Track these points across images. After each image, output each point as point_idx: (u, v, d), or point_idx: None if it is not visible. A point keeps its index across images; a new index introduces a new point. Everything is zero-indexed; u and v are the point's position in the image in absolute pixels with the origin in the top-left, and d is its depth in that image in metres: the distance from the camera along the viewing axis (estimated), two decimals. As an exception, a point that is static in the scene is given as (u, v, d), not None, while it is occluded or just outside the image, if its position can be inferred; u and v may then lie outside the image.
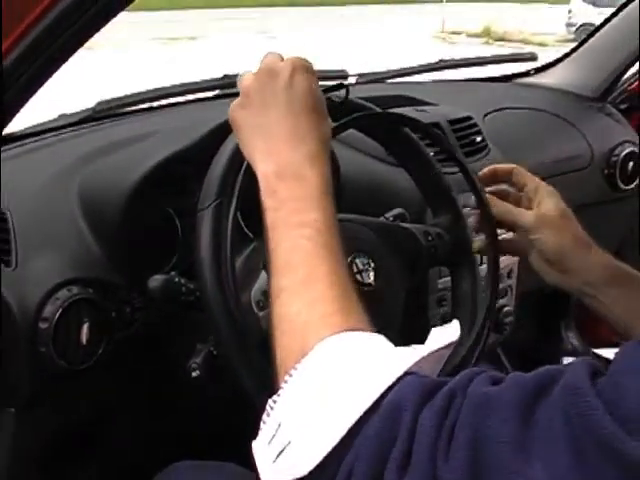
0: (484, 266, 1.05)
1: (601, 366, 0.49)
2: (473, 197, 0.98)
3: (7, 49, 0.71)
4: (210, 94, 1.38)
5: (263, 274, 0.88)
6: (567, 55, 1.80)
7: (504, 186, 1.00)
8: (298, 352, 0.58)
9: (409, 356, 0.59)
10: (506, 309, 1.37)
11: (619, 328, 0.94)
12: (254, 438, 0.64)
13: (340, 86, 0.89)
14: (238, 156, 0.87)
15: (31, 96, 0.78)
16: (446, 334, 0.65)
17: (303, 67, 0.75)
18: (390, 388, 0.54)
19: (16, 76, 0.74)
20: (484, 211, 0.97)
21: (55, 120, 1.22)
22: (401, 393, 0.53)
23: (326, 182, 0.72)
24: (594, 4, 14.30)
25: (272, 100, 0.73)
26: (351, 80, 1.46)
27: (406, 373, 0.56)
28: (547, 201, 0.95)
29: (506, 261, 1.37)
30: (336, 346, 0.58)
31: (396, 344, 0.94)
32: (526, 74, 1.86)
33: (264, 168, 0.73)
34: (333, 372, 0.56)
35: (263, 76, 0.75)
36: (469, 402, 0.51)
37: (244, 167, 0.83)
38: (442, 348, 0.63)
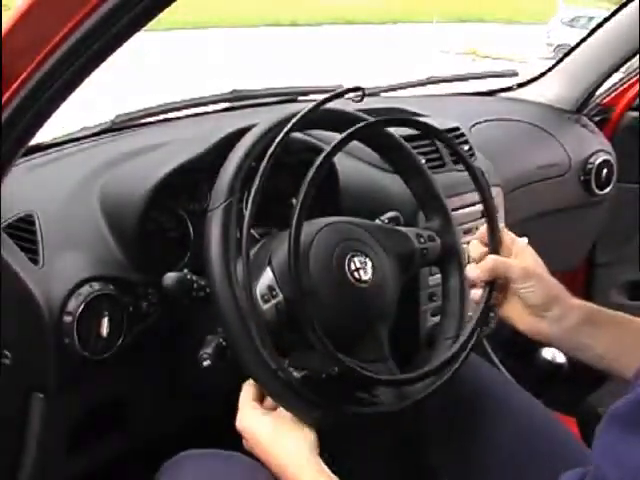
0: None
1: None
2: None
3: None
4: (219, 107, 1.39)
5: (268, 270, 0.88)
6: (546, 72, 1.81)
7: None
8: None
9: None
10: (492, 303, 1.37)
11: (601, 365, 0.90)
12: None
13: (357, 89, 0.90)
14: (245, 163, 0.88)
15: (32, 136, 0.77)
16: None
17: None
18: None
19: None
20: (490, 210, 0.96)
21: (78, 132, 1.22)
22: None
23: None
24: (571, 26, 14.33)
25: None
26: (349, 94, 1.45)
27: None
28: (525, 253, 0.93)
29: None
30: None
31: (391, 335, 0.94)
32: (509, 89, 1.86)
33: None
34: None
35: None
36: None
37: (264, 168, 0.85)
38: None
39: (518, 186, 1.49)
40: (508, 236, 0.95)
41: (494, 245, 0.92)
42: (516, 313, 0.92)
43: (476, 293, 0.93)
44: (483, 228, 0.93)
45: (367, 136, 1.00)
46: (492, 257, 0.91)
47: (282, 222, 1.04)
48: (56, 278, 0.92)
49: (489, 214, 0.94)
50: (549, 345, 0.95)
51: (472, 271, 0.92)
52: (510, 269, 0.90)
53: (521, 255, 0.93)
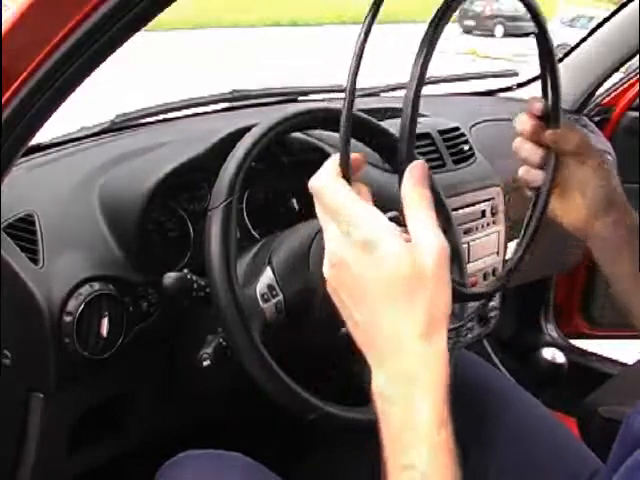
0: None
1: None
2: None
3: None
4: (219, 107, 1.39)
5: (268, 269, 0.88)
6: (546, 71, 1.80)
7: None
8: None
9: None
10: (491, 304, 1.37)
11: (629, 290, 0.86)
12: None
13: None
14: (245, 163, 0.88)
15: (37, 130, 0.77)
16: None
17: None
18: None
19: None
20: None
21: (77, 132, 1.22)
22: None
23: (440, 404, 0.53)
24: (570, 26, 14.33)
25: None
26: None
27: None
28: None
29: (490, 260, 1.37)
30: None
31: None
32: (509, 89, 1.86)
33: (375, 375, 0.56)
34: None
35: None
36: None
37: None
38: None
39: (518, 186, 1.49)
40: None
41: (556, 111, 0.83)
42: (568, 206, 0.87)
43: (537, 173, 0.86)
44: (533, 99, 0.84)
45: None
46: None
47: (282, 222, 1.04)
48: (56, 278, 0.92)
49: (551, 66, 0.83)
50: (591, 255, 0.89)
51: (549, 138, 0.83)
52: (592, 148, 0.84)
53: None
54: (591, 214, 0.86)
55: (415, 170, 0.58)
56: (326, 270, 0.58)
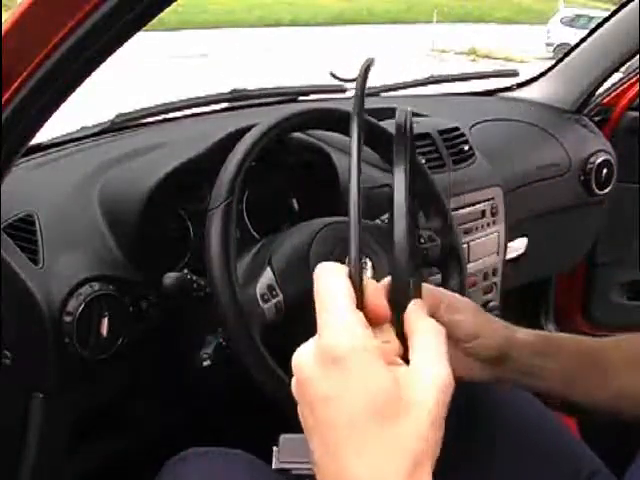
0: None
1: None
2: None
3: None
4: (219, 107, 1.39)
5: (268, 270, 0.88)
6: (546, 72, 1.81)
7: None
8: None
9: None
10: (492, 304, 1.37)
11: (557, 397, 0.82)
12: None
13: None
14: (245, 163, 0.88)
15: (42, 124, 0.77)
16: None
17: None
18: None
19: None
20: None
21: (77, 131, 1.22)
22: None
23: None
24: (570, 25, 14.34)
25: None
26: (349, 94, 1.46)
27: None
28: (465, 309, 0.77)
29: (490, 260, 1.37)
30: None
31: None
32: (509, 89, 1.86)
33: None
34: None
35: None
36: None
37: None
38: None
39: (518, 186, 1.49)
40: (446, 298, 0.76)
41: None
42: (473, 367, 0.78)
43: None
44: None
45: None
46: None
47: (282, 222, 1.04)
48: (56, 278, 0.92)
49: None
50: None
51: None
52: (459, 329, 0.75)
53: (461, 312, 0.76)
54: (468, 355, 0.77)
55: (423, 304, 0.50)
56: (293, 384, 0.49)
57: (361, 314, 0.47)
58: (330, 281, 0.48)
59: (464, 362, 0.77)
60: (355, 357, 0.44)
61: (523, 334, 0.80)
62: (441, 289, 0.78)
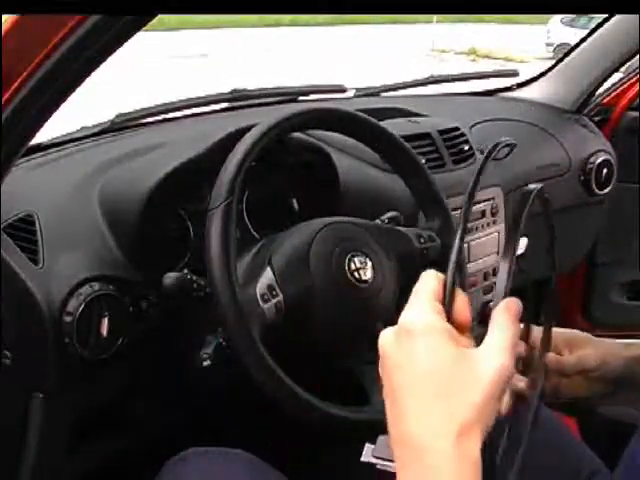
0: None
1: None
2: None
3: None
4: (219, 107, 1.39)
5: (268, 270, 0.88)
6: (546, 72, 1.81)
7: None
8: None
9: None
10: (492, 304, 1.36)
11: None
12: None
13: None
14: (245, 163, 0.88)
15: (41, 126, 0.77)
16: None
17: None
18: None
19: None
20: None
21: (77, 131, 1.22)
22: None
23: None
24: (570, 25, 14.34)
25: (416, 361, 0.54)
26: (349, 94, 1.46)
27: None
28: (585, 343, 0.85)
29: (490, 260, 1.37)
30: None
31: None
32: (509, 89, 1.86)
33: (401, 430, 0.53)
34: None
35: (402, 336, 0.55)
36: None
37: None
38: None
39: (518, 186, 1.49)
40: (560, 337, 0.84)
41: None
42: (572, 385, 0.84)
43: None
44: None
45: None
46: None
47: (282, 222, 1.04)
48: (56, 278, 0.92)
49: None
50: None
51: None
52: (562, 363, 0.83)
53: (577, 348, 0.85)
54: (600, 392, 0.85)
55: (513, 305, 0.60)
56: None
57: (441, 307, 0.56)
58: (427, 280, 0.59)
59: (593, 386, 0.84)
60: (425, 332, 0.53)
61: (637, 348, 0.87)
62: (559, 329, 0.83)
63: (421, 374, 0.52)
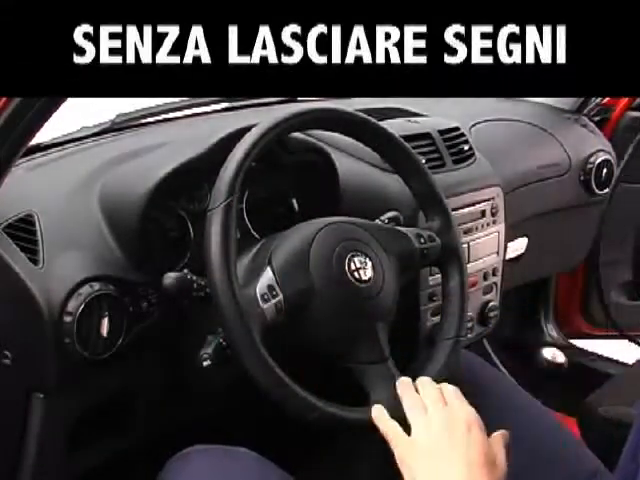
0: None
1: None
2: None
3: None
4: (219, 107, 1.39)
5: (268, 270, 0.88)
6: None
7: None
8: None
9: None
10: (491, 304, 1.37)
11: None
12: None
13: None
14: (245, 163, 0.88)
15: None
16: None
17: (477, 421, 0.78)
18: None
19: None
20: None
21: (77, 131, 1.22)
22: None
23: None
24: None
25: (451, 451, 0.75)
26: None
27: None
28: None
29: (490, 260, 1.37)
30: None
31: (391, 335, 0.94)
32: (509, 89, 1.86)
33: None
34: None
35: (442, 428, 0.77)
36: None
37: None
38: None
39: (518, 186, 1.49)
40: None
41: None
42: None
43: None
44: None
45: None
46: None
47: (282, 222, 1.04)
48: (56, 278, 0.92)
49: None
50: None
51: None
52: None
53: None
54: None
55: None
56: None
57: None
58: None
59: None
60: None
61: None
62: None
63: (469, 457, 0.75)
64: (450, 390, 0.82)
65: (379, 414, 0.82)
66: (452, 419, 0.77)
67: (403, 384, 0.84)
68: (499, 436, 0.79)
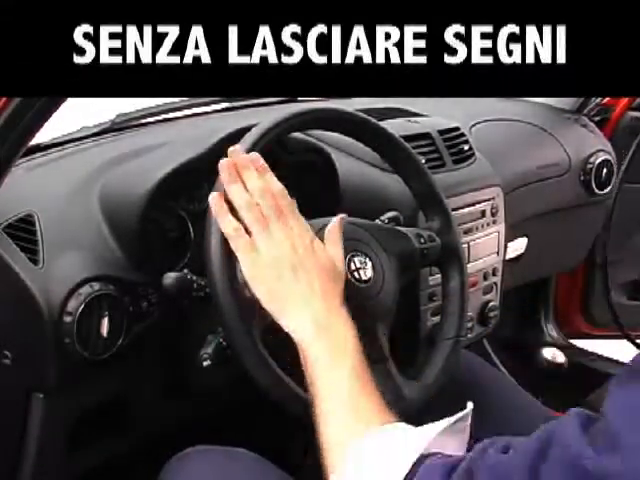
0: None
1: (590, 415, 0.51)
2: None
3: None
4: (219, 107, 1.39)
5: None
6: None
7: None
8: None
9: (422, 439, 0.61)
10: (491, 304, 1.37)
11: None
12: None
13: None
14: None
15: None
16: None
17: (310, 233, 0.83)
18: (411, 474, 0.54)
19: None
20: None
21: (77, 131, 1.22)
22: (421, 477, 0.53)
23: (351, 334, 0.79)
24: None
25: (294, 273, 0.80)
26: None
27: (423, 456, 0.57)
28: None
29: (490, 260, 1.37)
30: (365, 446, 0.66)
31: (391, 335, 0.94)
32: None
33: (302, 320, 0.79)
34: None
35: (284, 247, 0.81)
36: (485, 474, 0.51)
37: None
38: (457, 421, 0.65)
39: (518, 186, 1.49)
40: None
41: None
42: None
43: None
44: None
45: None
46: None
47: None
48: (56, 278, 0.92)
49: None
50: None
51: None
52: None
53: None
54: None
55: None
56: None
57: None
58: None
59: None
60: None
61: None
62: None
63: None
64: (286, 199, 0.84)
65: (217, 206, 0.82)
66: (292, 235, 0.81)
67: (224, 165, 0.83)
68: (331, 229, 0.85)
